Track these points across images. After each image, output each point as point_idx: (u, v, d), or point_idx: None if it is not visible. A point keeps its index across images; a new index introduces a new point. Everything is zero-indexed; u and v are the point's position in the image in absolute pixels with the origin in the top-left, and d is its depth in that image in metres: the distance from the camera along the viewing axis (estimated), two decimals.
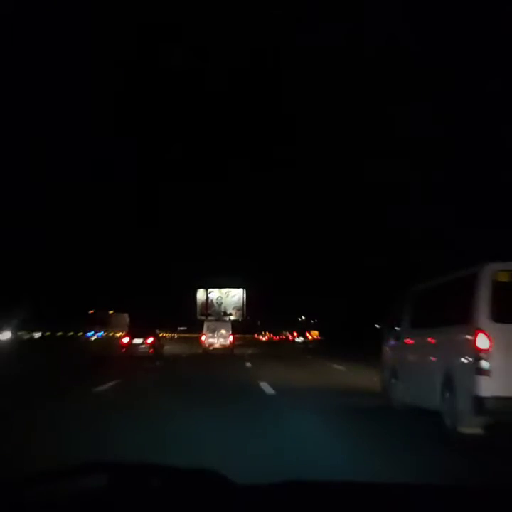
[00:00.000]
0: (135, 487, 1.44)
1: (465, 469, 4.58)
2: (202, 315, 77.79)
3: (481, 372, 5.22)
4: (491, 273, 5.43)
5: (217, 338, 30.00)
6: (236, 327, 37.18)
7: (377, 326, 9.75)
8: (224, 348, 29.30)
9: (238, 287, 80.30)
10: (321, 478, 1.69)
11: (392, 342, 8.45)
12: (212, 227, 73.70)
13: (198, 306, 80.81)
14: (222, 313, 78.10)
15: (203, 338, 30.36)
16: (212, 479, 1.46)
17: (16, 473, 3.06)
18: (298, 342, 63.89)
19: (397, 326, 8.15)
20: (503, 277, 5.37)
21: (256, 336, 77.44)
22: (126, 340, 22.66)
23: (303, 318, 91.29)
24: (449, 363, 5.92)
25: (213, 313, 77.75)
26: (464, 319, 5.61)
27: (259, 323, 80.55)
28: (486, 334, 5.27)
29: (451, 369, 5.81)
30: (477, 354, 5.27)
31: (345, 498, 1.44)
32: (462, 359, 5.56)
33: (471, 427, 5.45)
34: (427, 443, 5.65)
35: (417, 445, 5.57)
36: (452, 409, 5.69)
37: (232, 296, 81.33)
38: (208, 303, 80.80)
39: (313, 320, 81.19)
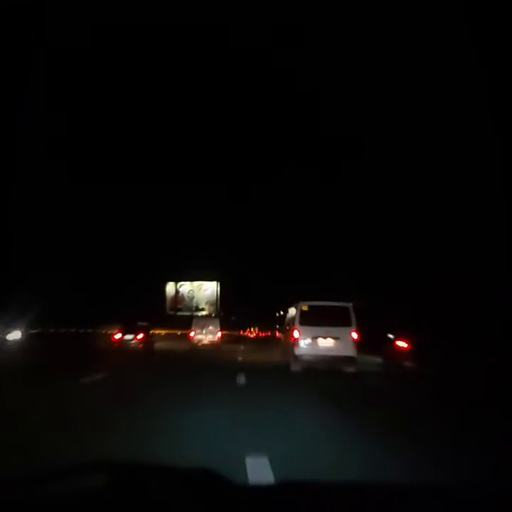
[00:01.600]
0: (135, 487, 1.60)
1: (291, 383, 13.78)
2: (171, 310, 78.04)
3: (296, 345, 14.65)
4: (301, 305, 14.90)
5: (206, 335, 32.24)
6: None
7: (277, 326, 20.38)
8: (212, 345, 31.48)
9: (211, 280, 79.54)
10: (320, 479, 1.97)
11: (282, 334, 18.43)
12: (184, 217, 74.67)
13: (167, 301, 79.84)
14: (194, 308, 77.69)
15: (192, 334, 32.54)
16: (211, 479, 1.64)
17: (14, 473, 3.70)
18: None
19: (285, 325, 18.02)
20: (305, 308, 14.85)
21: (242, 332, 74.81)
22: (118, 336, 26.65)
23: (281, 313, 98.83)
24: (290, 342, 15.19)
25: (184, 308, 77.83)
26: (293, 324, 15.11)
27: (233, 318, 78.98)
28: (297, 330, 14.77)
29: (291, 344, 15.09)
30: (294, 338, 14.80)
31: (345, 498, 1.60)
32: (292, 340, 15.09)
33: (295, 368, 14.96)
34: (282, 375, 15.06)
35: (278, 376, 14.94)
36: (290, 361, 15.22)
37: (204, 290, 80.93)
38: (177, 297, 79.92)
39: None
